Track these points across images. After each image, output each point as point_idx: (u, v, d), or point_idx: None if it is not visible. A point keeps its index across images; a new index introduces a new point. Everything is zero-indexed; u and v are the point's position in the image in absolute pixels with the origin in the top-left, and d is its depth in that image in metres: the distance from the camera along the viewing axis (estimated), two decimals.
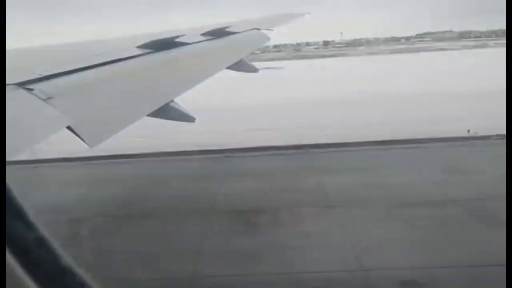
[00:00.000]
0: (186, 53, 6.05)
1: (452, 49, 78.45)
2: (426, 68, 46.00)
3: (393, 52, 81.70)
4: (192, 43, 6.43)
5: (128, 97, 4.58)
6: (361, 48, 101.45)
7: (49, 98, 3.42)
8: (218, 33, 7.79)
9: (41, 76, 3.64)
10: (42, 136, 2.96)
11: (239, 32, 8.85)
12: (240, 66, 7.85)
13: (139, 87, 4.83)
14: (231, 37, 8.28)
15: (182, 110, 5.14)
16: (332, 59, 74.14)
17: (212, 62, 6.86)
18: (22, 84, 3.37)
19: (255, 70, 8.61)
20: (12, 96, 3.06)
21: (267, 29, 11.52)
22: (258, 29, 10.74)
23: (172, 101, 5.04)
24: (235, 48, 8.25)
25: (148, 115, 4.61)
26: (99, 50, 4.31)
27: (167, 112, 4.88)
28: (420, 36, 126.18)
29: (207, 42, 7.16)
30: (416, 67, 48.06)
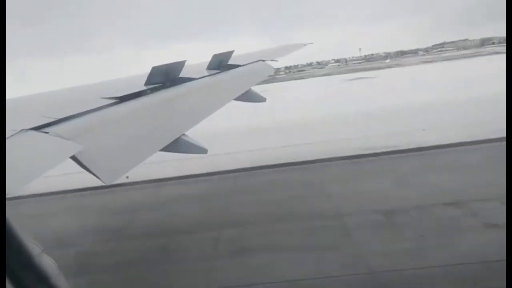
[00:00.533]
0: (193, 87, 6.20)
1: (484, 54, 77.75)
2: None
3: (426, 61, 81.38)
4: (198, 78, 6.59)
5: (140, 134, 4.68)
6: (388, 61, 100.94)
7: (64, 139, 3.53)
8: (223, 67, 7.97)
9: (55, 119, 3.77)
10: (53, 163, 3.04)
11: (244, 65, 9.05)
12: (248, 96, 7.98)
13: (150, 124, 4.94)
14: (237, 69, 8.46)
15: (194, 143, 5.20)
16: (383, 70, 74.26)
17: (219, 95, 6.99)
18: (36, 128, 3.48)
19: (263, 99, 8.72)
20: (27, 138, 3.16)
21: (271, 60, 11.76)
22: (263, 60, 10.97)
23: (183, 134, 5.13)
24: (242, 80, 8.40)
25: (161, 150, 4.69)
26: (108, 89, 4.46)
27: (179, 145, 4.96)
28: (439, 46, 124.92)
29: (213, 76, 7.33)
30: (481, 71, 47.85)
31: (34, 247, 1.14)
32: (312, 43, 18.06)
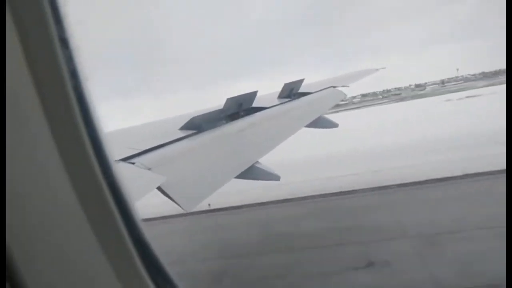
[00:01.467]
0: (265, 116, 6.40)
1: None
2: None
3: None
4: (270, 106, 6.79)
5: (217, 163, 4.91)
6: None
7: (148, 169, 3.83)
8: (294, 95, 8.14)
9: (140, 151, 4.10)
10: (142, 193, 3.30)
11: (314, 92, 9.16)
12: (319, 123, 8.02)
13: (226, 153, 5.17)
14: (308, 96, 8.59)
15: (267, 170, 5.33)
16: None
17: (290, 123, 7.11)
18: (125, 160, 3.82)
19: (335, 125, 8.71)
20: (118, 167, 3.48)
21: (343, 86, 11.74)
22: (334, 86, 11.00)
23: (257, 162, 5.29)
24: (312, 107, 8.49)
25: (236, 177, 4.87)
26: (185, 122, 4.78)
27: (253, 173, 5.11)
28: None
29: (284, 104, 7.50)
30: None
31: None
32: (384, 67, 17.76)
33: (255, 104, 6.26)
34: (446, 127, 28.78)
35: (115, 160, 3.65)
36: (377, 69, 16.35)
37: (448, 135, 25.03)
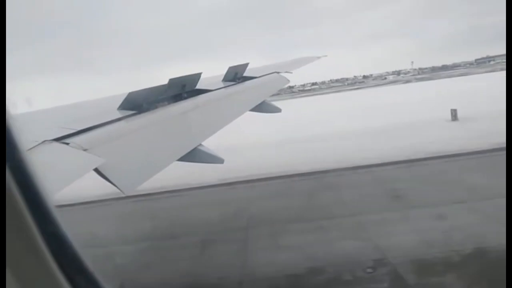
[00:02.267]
0: (210, 99, 6.27)
1: None
2: None
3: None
4: (215, 89, 6.67)
5: (159, 145, 4.74)
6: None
7: (85, 150, 3.59)
8: (238, 79, 8.05)
9: (75, 130, 3.84)
10: (77, 175, 3.10)
11: (259, 77, 9.12)
12: (263, 107, 8.02)
13: (168, 134, 5.00)
14: (253, 81, 8.54)
15: (210, 153, 5.23)
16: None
17: (234, 106, 7.04)
18: (58, 139, 3.56)
19: (278, 110, 8.76)
20: (50, 148, 3.23)
21: (286, 72, 11.82)
22: (278, 72, 11.03)
23: (200, 145, 5.17)
24: (256, 91, 8.46)
25: (178, 159, 4.74)
26: (125, 102, 4.54)
27: (196, 155, 5.00)
28: (485, 60, 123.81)
29: (229, 87, 7.40)
30: None
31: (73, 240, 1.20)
32: (326, 55, 18.13)
33: (199, 86, 6.11)
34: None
35: (48, 140, 3.41)
36: (318, 57, 16.65)
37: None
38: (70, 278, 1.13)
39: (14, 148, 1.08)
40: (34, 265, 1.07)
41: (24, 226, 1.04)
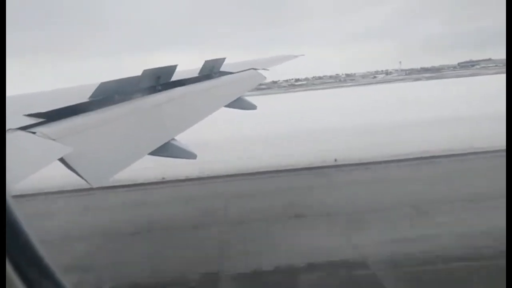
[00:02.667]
0: (184, 92, 6.17)
1: None
2: None
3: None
4: (189, 83, 6.57)
5: (129, 138, 4.63)
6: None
7: (52, 139, 3.47)
8: (214, 73, 7.97)
9: (43, 120, 3.70)
10: (41, 164, 3.00)
11: (235, 72, 9.06)
12: (238, 103, 7.97)
13: (139, 128, 4.89)
14: (229, 76, 8.47)
15: (183, 147, 5.16)
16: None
17: (209, 101, 6.96)
18: (23, 128, 3.42)
19: (253, 107, 8.73)
20: (14, 138, 3.10)
21: (263, 69, 11.79)
22: (255, 69, 10.99)
23: (173, 139, 5.09)
24: (233, 87, 8.41)
25: (150, 153, 4.65)
26: (98, 90, 4.40)
27: (168, 150, 4.92)
28: (468, 64, 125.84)
29: (205, 82, 7.31)
30: None
31: (38, 244, 1.14)
32: (303, 55, 18.22)
33: (174, 78, 6.01)
34: None
35: (13, 129, 3.27)
36: (296, 56, 16.71)
37: None
38: (20, 270, 1.06)
39: None
40: None
41: None
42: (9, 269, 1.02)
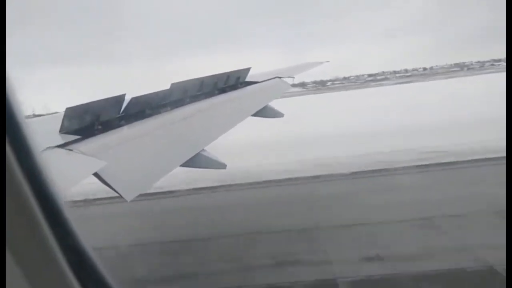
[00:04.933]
0: (212, 103, 6.27)
1: None
2: None
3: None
4: (217, 94, 6.67)
5: (162, 151, 4.73)
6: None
7: (88, 156, 3.59)
8: (240, 84, 8.06)
9: (79, 137, 3.83)
10: (79, 179, 3.10)
11: (261, 81, 9.14)
12: (265, 112, 8.03)
13: (171, 140, 4.99)
14: (254, 86, 8.55)
15: (213, 158, 5.23)
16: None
17: (237, 111, 7.04)
18: (61, 146, 3.55)
19: (280, 115, 8.76)
20: (53, 155, 3.23)
21: (288, 77, 11.84)
22: (280, 77, 11.05)
23: (203, 150, 5.17)
24: (259, 96, 8.47)
25: (182, 165, 4.73)
26: (126, 107, 4.53)
27: (198, 161, 4.99)
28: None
29: (231, 92, 7.40)
30: None
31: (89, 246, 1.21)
32: (328, 61, 18.18)
33: (201, 91, 6.12)
34: None
35: (52, 147, 3.40)
36: (321, 62, 16.68)
37: None
38: (79, 276, 1.13)
39: (26, 146, 1.08)
40: (43, 263, 1.07)
41: (34, 223, 1.03)
42: (66, 268, 1.09)
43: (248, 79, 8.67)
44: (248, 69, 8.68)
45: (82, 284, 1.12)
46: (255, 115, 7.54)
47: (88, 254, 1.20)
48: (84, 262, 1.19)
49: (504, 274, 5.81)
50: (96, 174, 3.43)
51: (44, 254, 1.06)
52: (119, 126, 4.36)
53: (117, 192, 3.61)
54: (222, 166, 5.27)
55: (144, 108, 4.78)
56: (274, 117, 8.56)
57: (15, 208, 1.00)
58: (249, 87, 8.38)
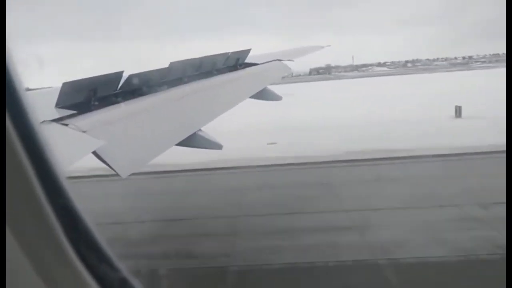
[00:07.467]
0: (211, 84, 6.23)
1: None
2: None
3: None
4: (216, 74, 6.62)
5: (158, 129, 4.72)
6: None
7: (83, 131, 3.58)
8: (240, 65, 8.00)
9: (75, 112, 3.82)
10: (76, 157, 3.10)
11: (261, 63, 9.06)
12: (263, 94, 7.99)
13: (168, 119, 4.98)
14: (254, 67, 8.48)
15: (209, 138, 5.23)
16: None
17: (235, 92, 7.01)
18: (57, 120, 3.54)
19: (278, 98, 8.72)
20: (49, 129, 3.22)
21: (288, 60, 11.73)
22: (280, 60, 10.95)
23: (199, 130, 5.16)
24: (258, 78, 8.41)
25: (178, 144, 4.73)
26: (123, 84, 4.50)
27: (195, 140, 4.99)
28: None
29: (230, 73, 7.35)
30: None
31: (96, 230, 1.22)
32: (330, 45, 17.97)
33: (201, 71, 6.07)
34: None
35: (45, 121, 3.38)
36: (322, 46, 16.51)
37: None
38: (81, 254, 1.14)
39: (25, 117, 1.08)
40: (44, 241, 1.08)
41: (34, 197, 1.04)
42: (72, 255, 1.10)
43: (248, 60, 8.59)
44: (248, 51, 8.59)
45: (81, 257, 1.13)
46: (253, 97, 7.50)
47: (87, 227, 1.21)
48: (83, 234, 1.19)
49: None
50: (93, 152, 3.43)
51: (42, 226, 1.07)
52: (115, 102, 4.34)
53: (112, 169, 3.62)
54: (218, 146, 5.27)
55: (141, 85, 4.75)
56: (272, 100, 8.52)
57: (15, 181, 1.01)
58: (248, 69, 8.32)
